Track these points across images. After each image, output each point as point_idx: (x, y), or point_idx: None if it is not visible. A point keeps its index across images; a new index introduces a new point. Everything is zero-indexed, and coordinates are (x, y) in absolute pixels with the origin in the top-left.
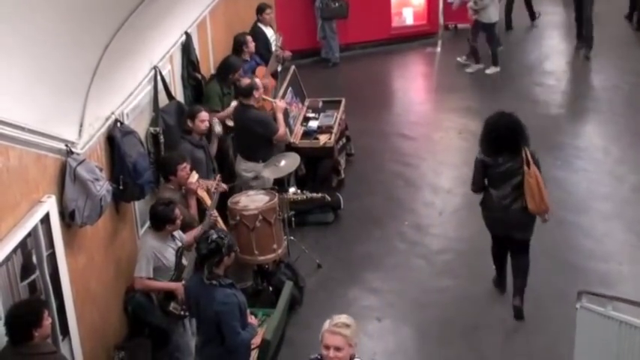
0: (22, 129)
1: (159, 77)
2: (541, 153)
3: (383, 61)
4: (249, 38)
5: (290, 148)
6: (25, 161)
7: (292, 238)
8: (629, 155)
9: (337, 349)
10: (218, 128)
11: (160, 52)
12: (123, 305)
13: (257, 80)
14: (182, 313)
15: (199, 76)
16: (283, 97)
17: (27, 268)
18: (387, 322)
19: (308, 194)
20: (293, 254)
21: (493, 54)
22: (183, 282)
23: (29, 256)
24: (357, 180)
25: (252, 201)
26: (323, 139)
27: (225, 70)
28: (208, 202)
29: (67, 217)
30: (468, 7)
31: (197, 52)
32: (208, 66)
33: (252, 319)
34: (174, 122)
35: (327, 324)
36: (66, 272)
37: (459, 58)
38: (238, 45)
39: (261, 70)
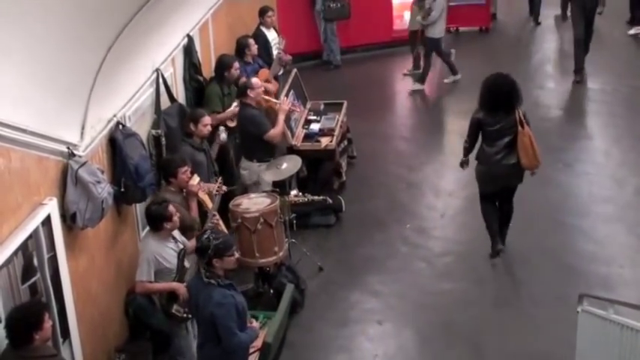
0: (24, 131)
1: (161, 80)
2: (542, 155)
3: (384, 63)
4: (251, 41)
5: (291, 150)
6: (27, 163)
7: (293, 240)
8: (630, 158)
9: None
10: (223, 135)
11: (162, 54)
12: (124, 308)
13: (254, 80)
14: (184, 315)
15: (201, 79)
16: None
17: (28, 271)
18: (388, 325)
19: (309, 197)
20: (294, 257)
21: (448, 65)
22: (185, 284)
23: (30, 258)
24: (359, 183)
25: (254, 203)
26: (324, 141)
27: (219, 68)
28: (209, 204)
29: (69, 220)
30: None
31: (199, 54)
32: (210, 68)
33: (253, 324)
34: (175, 125)
35: None
36: (67, 275)
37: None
38: (241, 48)
39: (263, 72)
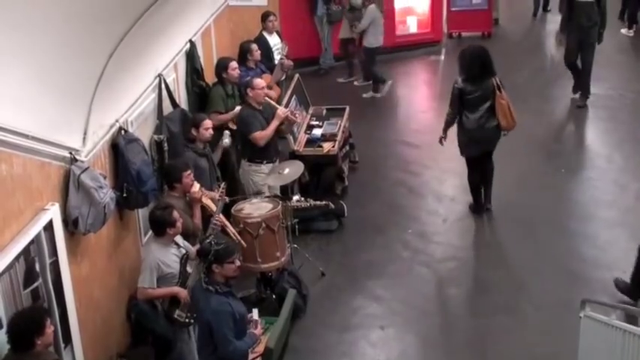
0: (26, 136)
1: (163, 85)
2: (545, 161)
3: (387, 69)
4: (254, 46)
5: (294, 155)
6: (29, 169)
7: (296, 245)
8: (633, 163)
9: None
10: (227, 140)
11: (164, 60)
12: (126, 313)
13: (257, 80)
14: (187, 320)
15: (203, 84)
16: (287, 105)
17: (30, 276)
18: (390, 331)
19: (311, 202)
20: (296, 262)
21: (373, 78)
22: (187, 289)
23: (32, 263)
24: (361, 188)
25: (256, 208)
26: (327, 146)
27: (217, 70)
28: (214, 208)
29: (71, 225)
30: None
31: (201, 59)
32: (212, 73)
33: (257, 330)
34: (178, 130)
35: None
36: (69, 280)
37: (355, 82)
38: (243, 52)
39: (266, 78)
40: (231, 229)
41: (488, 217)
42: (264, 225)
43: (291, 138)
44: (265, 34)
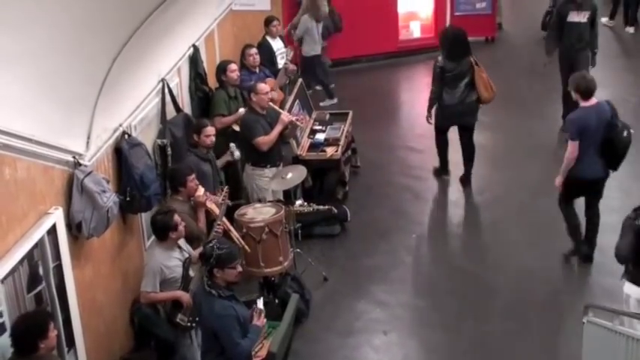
0: (30, 141)
1: (166, 90)
2: (549, 166)
3: (390, 73)
4: (247, 51)
5: (297, 160)
6: (33, 173)
7: (298, 250)
8: (637, 168)
9: None
10: (237, 153)
11: (167, 64)
12: (129, 317)
13: (261, 85)
14: (189, 324)
15: (207, 89)
16: (290, 109)
17: (33, 280)
18: (393, 336)
19: (314, 206)
20: (299, 266)
21: (321, 85)
22: (190, 292)
23: (36, 267)
24: (364, 192)
25: (259, 213)
26: (330, 151)
27: (217, 73)
28: (217, 211)
29: (74, 229)
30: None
31: (205, 64)
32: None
33: (259, 320)
34: (181, 134)
35: None
36: (72, 284)
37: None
38: (241, 55)
39: (269, 82)
40: (234, 233)
41: (490, 222)
42: (267, 229)
43: (294, 142)
44: (269, 38)
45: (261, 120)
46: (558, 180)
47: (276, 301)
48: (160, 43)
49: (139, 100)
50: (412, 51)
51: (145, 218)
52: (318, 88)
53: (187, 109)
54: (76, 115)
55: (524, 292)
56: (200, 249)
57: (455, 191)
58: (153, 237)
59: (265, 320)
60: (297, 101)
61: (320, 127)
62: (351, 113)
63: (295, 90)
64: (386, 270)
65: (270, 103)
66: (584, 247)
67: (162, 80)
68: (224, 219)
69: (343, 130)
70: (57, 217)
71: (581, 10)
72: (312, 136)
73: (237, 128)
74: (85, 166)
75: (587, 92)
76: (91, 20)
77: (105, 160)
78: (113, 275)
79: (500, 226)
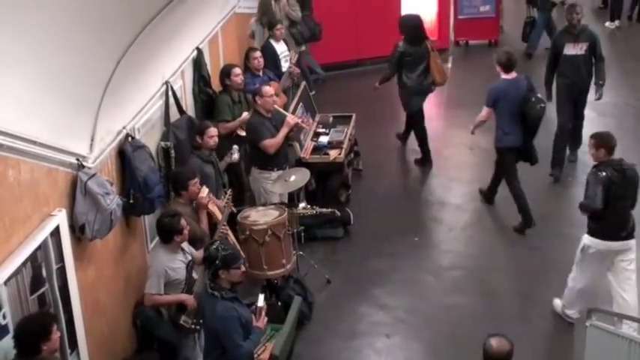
0: (34, 143)
1: (170, 92)
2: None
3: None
4: (251, 54)
5: (300, 163)
6: (37, 175)
7: (301, 253)
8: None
9: None
10: (235, 156)
11: (171, 67)
12: (132, 319)
13: (265, 88)
14: (192, 326)
15: (210, 91)
16: (294, 112)
17: (37, 281)
18: (396, 339)
19: (318, 209)
20: (302, 269)
21: None
22: (194, 294)
23: (39, 269)
24: (367, 195)
25: (262, 216)
26: (333, 154)
27: (220, 78)
28: (219, 216)
29: (77, 231)
30: None
31: (208, 67)
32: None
33: (260, 321)
34: (184, 137)
35: None
36: (75, 286)
37: None
38: (246, 59)
39: (273, 85)
40: (232, 238)
41: (493, 225)
42: (270, 232)
43: (297, 145)
44: (272, 41)
45: (266, 123)
46: (472, 129)
47: (279, 303)
48: (164, 45)
49: (142, 103)
50: None
51: (148, 220)
52: None
53: (191, 111)
54: (79, 117)
55: (527, 295)
56: (202, 251)
57: (458, 194)
58: (156, 239)
59: (266, 319)
60: (301, 104)
61: (323, 130)
62: (354, 116)
63: (299, 93)
64: (389, 273)
65: (275, 106)
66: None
67: (166, 83)
68: (225, 224)
69: (346, 132)
70: (60, 219)
71: (577, 42)
72: (315, 139)
73: (242, 133)
74: (89, 168)
75: (509, 66)
76: (95, 23)
77: (108, 163)
78: (116, 277)
79: (504, 229)
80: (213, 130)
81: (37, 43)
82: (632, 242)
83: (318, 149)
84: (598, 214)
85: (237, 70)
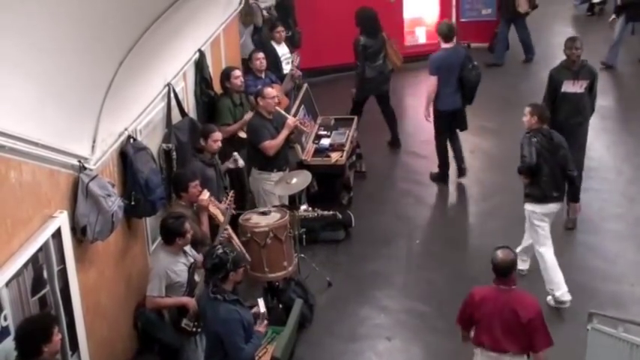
0: (36, 144)
1: (172, 94)
2: None
3: (395, 79)
4: (254, 54)
5: (302, 165)
6: (38, 176)
7: (303, 255)
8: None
9: None
10: (241, 162)
11: (173, 69)
12: (133, 321)
13: (268, 89)
14: (194, 329)
15: (212, 93)
16: (296, 115)
17: (38, 283)
18: (396, 342)
19: (319, 212)
20: (303, 272)
21: None
22: (195, 297)
23: (40, 271)
24: (368, 198)
25: (264, 218)
26: (334, 156)
27: (221, 80)
28: (221, 218)
29: (79, 233)
30: None
31: (210, 69)
32: None
33: (261, 327)
34: (186, 139)
35: None
36: (76, 287)
37: None
38: (248, 60)
39: (275, 88)
40: (236, 240)
41: (495, 228)
42: (271, 234)
43: (299, 148)
44: (273, 43)
45: (267, 124)
46: (424, 112)
47: (280, 306)
48: (166, 47)
49: (144, 105)
50: (418, 56)
51: (149, 223)
52: None
53: (193, 113)
54: (81, 119)
55: None
56: (201, 255)
57: (460, 197)
58: (157, 241)
59: (266, 323)
60: (303, 106)
61: (325, 133)
62: (356, 119)
63: (300, 95)
64: (390, 275)
65: (277, 108)
66: (446, 169)
67: (168, 85)
68: (228, 226)
69: (348, 135)
70: (62, 220)
71: (578, 80)
72: (317, 142)
73: (243, 135)
74: (91, 170)
75: (450, 36)
76: (97, 25)
77: (110, 164)
78: (117, 279)
79: (505, 232)
80: (218, 135)
81: (39, 45)
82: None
83: (319, 152)
84: (533, 172)
85: (237, 72)
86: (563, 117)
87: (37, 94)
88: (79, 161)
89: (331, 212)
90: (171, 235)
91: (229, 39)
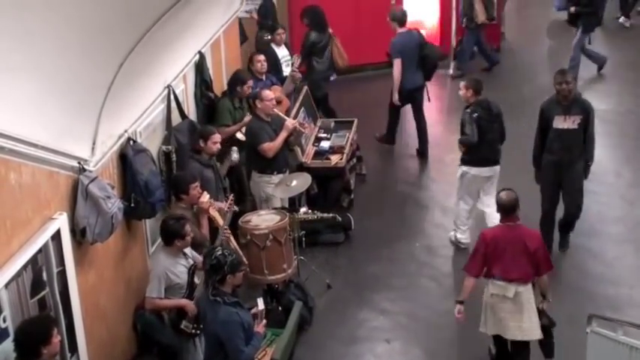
0: (36, 146)
1: (172, 96)
2: None
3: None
4: (255, 57)
5: (301, 167)
6: (38, 178)
7: (302, 257)
8: None
9: None
10: (235, 156)
11: (173, 71)
12: (132, 323)
13: (266, 92)
14: (193, 331)
15: (212, 95)
16: (295, 117)
17: (37, 285)
18: (396, 344)
19: (319, 214)
20: (303, 274)
21: None
22: (194, 300)
23: (39, 272)
24: (368, 200)
25: (263, 220)
26: (334, 159)
27: (233, 82)
28: (220, 221)
29: (78, 234)
30: None
31: (210, 71)
32: (221, 85)
33: (260, 327)
34: (186, 141)
35: None
36: (76, 289)
37: None
38: (249, 62)
39: (275, 90)
40: (234, 243)
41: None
42: (271, 237)
43: (299, 150)
44: (273, 46)
45: (266, 127)
46: (395, 97)
47: (280, 308)
48: (166, 49)
49: (144, 107)
50: None
51: (149, 224)
52: None
53: (193, 115)
54: (81, 120)
55: None
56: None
57: None
58: (157, 243)
59: (265, 322)
60: (302, 108)
61: (325, 135)
62: (356, 121)
63: (300, 97)
64: (389, 278)
65: (275, 110)
66: (393, 133)
67: (168, 87)
68: (227, 228)
69: (348, 137)
70: (61, 222)
71: (569, 115)
72: (317, 144)
73: (240, 137)
74: (90, 171)
75: (402, 20)
76: (97, 27)
77: (110, 166)
78: (116, 281)
79: None
80: (217, 137)
81: (39, 47)
82: (497, 168)
83: (319, 154)
84: (474, 148)
85: (251, 82)
86: (556, 155)
87: (38, 95)
88: (79, 163)
89: (331, 215)
90: (170, 236)
91: (229, 41)
